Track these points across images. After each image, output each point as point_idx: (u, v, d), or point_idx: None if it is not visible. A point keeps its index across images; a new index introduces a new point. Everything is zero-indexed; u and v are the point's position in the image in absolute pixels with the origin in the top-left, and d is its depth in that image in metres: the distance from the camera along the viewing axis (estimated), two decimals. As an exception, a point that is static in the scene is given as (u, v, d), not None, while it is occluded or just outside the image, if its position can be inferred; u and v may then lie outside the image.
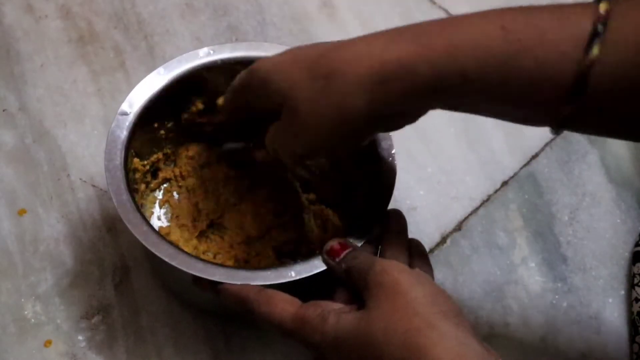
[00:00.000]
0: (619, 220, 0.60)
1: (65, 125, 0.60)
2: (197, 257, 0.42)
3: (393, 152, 0.48)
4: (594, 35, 0.32)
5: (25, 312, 0.50)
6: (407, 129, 0.63)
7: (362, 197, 0.47)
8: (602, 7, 0.33)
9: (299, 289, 0.43)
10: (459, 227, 0.58)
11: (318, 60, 0.37)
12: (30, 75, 0.62)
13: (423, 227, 0.58)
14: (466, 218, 0.59)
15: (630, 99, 0.33)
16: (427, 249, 0.56)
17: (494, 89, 0.35)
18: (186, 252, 0.42)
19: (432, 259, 0.56)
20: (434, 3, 0.73)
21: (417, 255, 0.44)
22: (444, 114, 0.39)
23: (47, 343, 0.49)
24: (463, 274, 0.56)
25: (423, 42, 0.35)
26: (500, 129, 0.63)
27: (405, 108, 0.37)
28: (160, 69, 0.49)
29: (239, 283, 0.41)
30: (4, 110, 0.60)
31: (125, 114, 0.47)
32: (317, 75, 0.37)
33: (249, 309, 0.40)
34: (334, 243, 0.41)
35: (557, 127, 0.36)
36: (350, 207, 0.52)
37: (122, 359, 0.49)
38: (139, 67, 0.64)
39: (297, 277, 0.41)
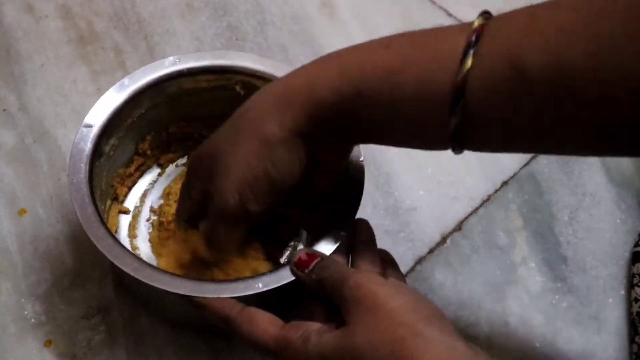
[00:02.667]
0: (619, 220, 0.60)
1: (65, 125, 0.60)
2: (163, 270, 0.42)
3: (361, 159, 0.47)
4: (468, 48, 0.33)
5: (25, 312, 0.50)
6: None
7: (330, 206, 0.47)
8: (477, 23, 0.34)
9: (269, 299, 0.43)
10: (459, 227, 0.58)
11: (233, 116, 0.42)
12: (30, 75, 0.62)
13: (423, 227, 0.58)
14: (466, 218, 0.59)
15: (506, 110, 0.34)
16: (427, 249, 0.57)
17: (384, 106, 0.36)
18: (152, 265, 0.42)
19: (432, 259, 0.56)
20: (434, 3, 0.73)
21: (388, 264, 0.44)
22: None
23: (47, 343, 0.49)
24: (463, 274, 0.55)
25: (321, 65, 0.39)
26: (500, 129, 0.63)
27: (317, 132, 0.39)
28: (125, 80, 0.49)
29: (212, 296, 0.41)
30: (4, 110, 0.60)
31: (89, 126, 0.47)
32: (231, 124, 0.42)
33: (231, 328, 0.39)
34: (301, 254, 0.41)
35: (454, 145, 0.36)
36: (318, 217, 0.52)
37: (122, 359, 0.49)
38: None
39: (265, 289, 0.41)
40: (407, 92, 0.35)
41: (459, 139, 0.36)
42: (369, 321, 0.35)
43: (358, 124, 0.38)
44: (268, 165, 0.40)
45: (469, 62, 0.33)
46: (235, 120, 0.42)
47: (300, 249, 0.41)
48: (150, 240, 0.53)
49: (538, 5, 0.34)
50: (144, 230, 0.54)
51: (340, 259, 0.42)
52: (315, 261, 0.40)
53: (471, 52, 0.33)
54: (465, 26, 0.35)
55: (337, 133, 0.40)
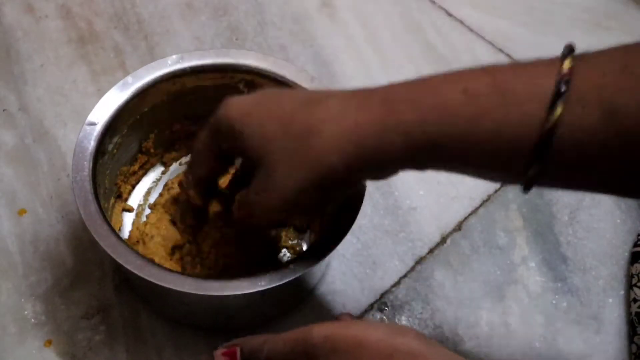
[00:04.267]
0: (619, 220, 0.60)
1: (65, 125, 0.60)
2: (166, 268, 0.42)
3: None
4: (557, 95, 0.31)
5: (25, 312, 0.50)
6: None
7: (331, 212, 0.47)
8: (566, 66, 0.32)
9: (270, 298, 0.43)
10: (459, 227, 0.58)
11: (292, 118, 0.38)
12: (30, 75, 0.62)
13: (423, 227, 0.58)
14: (466, 218, 0.59)
15: (594, 157, 0.32)
16: (427, 249, 0.57)
17: (461, 153, 0.35)
18: (155, 263, 0.42)
19: (432, 259, 0.56)
20: (434, 3, 0.73)
21: None
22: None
23: (47, 343, 0.49)
24: (463, 274, 0.55)
25: (392, 108, 0.35)
26: (500, 129, 0.63)
27: (378, 170, 0.38)
28: (129, 78, 0.49)
29: (216, 294, 0.41)
30: (4, 110, 0.60)
31: (92, 124, 0.47)
32: (292, 134, 0.37)
33: None
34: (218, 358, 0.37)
35: (526, 187, 0.35)
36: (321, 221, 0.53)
37: (122, 359, 0.49)
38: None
39: (268, 287, 0.41)
40: (484, 140, 0.33)
41: (536, 181, 0.34)
42: None
43: (424, 165, 0.37)
44: (323, 200, 0.40)
45: (558, 110, 0.31)
46: (293, 134, 0.38)
47: (217, 349, 0.38)
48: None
49: (632, 47, 0.32)
50: None
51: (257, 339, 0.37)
52: (237, 351, 0.36)
53: (561, 100, 0.31)
54: (550, 65, 0.33)
55: (395, 172, 0.39)
